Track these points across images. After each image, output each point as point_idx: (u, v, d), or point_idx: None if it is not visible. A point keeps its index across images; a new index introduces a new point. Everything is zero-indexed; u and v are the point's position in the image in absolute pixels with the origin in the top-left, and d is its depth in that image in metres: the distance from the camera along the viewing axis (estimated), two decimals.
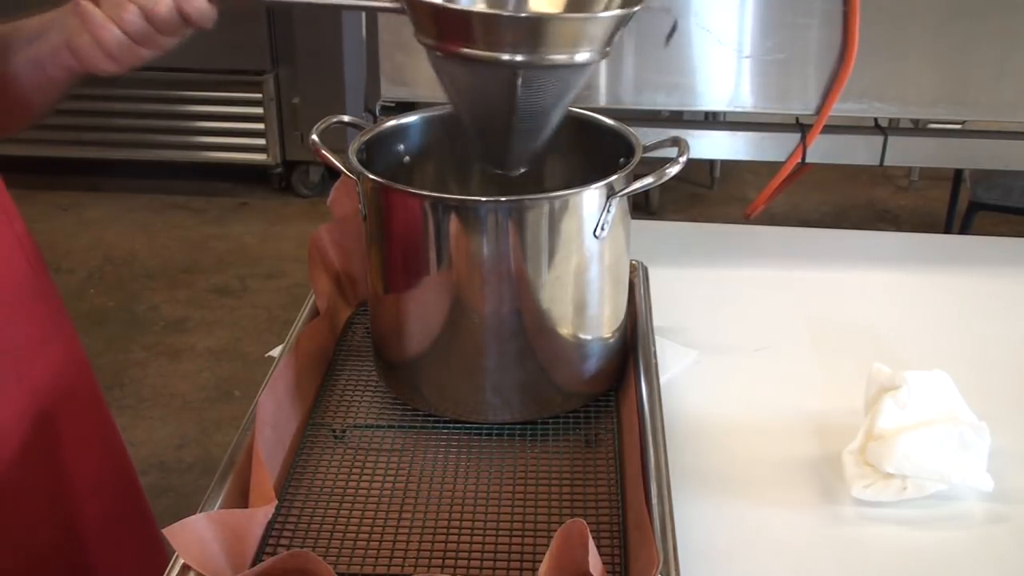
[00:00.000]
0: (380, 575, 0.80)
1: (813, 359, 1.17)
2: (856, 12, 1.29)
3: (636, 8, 0.87)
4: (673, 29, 0.96)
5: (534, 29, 0.85)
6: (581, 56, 0.86)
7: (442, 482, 0.90)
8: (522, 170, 0.99)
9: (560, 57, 0.85)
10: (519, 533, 0.84)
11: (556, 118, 0.93)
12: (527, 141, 0.94)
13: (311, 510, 0.87)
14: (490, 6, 0.94)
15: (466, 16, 0.87)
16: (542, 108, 0.90)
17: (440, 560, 0.81)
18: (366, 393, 1.03)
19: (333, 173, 1.25)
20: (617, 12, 0.87)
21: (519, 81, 0.85)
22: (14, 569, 0.93)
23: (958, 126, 1.47)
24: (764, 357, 1.17)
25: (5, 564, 0.92)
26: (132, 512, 1.14)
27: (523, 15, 0.91)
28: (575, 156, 1.05)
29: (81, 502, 1.04)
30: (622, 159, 0.97)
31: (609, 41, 0.88)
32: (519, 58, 0.84)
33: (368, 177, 0.92)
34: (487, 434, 0.96)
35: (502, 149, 0.95)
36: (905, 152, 1.43)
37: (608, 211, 0.90)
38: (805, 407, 1.07)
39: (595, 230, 0.91)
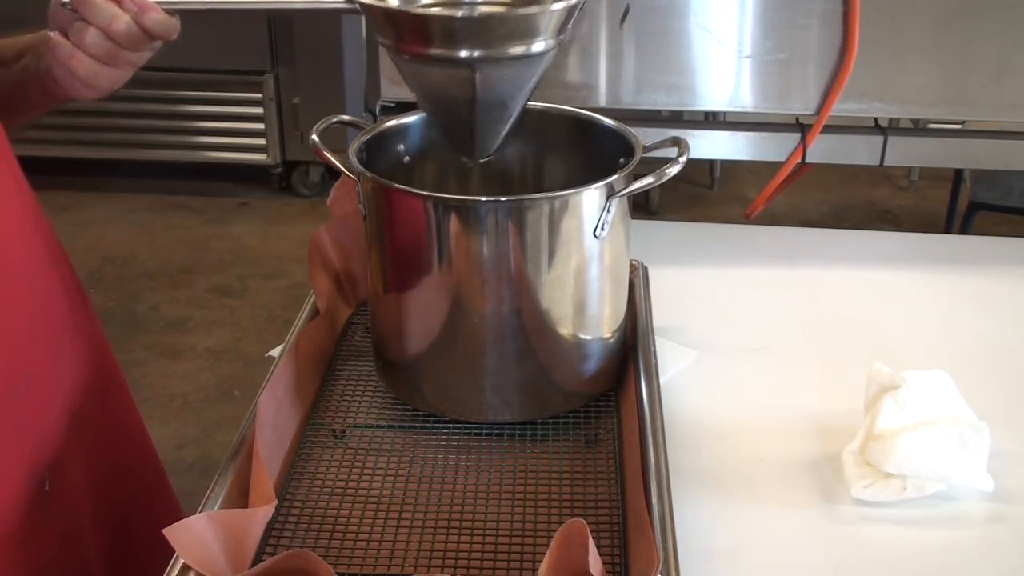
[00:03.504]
0: (380, 575, 0.80)
1: (813, 359, 1.17)
2: (856, 12, 1.29)
3: None
4: (625, 13, 0.95)
5: (487, 27, 0.87)
6: (537, 47, 0.88)
7: (442, 482, 0.90)
8: (489, 157, 0.99)
9: (518, 50, 0.87)
10: (519, 533, 0.84)
11: (518, 107, 0.94)
12: (491, 130, 0.95)
13: (311, 510, 0.87)
14: (444, 5, 0.96)
15: (419, 18, 0.89)
16: (502, 99, 0.92)
17: (440, 560, 0.81)
18: (366, 393, 1.03)
19: (333, 173, 1.25)
20: (564, 4, 0.88)
21: (477, 77, 0.87)
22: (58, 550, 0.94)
23: (958, 126, 1.47)
24: (764, 357, 1.17)
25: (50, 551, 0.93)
26: (160, 500, 1.16)
27: (474, 15, 0.92)
28: (575, 156, 1.05)
29: (120, 512, 1.05)
30: (622, 159, 0.97)
31: (561, 30, 0.89)
32: (476, 54, 0.86)
33: (368, 177, 0.92)
34: (487, 434, 0.96)
35: (467, 139, 0.96)
36: (905, 152, 1.43)
37: (608, 211, 0.90)
38: (805, 407, 1.07)
39: (595, 230, 0.91)
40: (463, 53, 0.86)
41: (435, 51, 0.87)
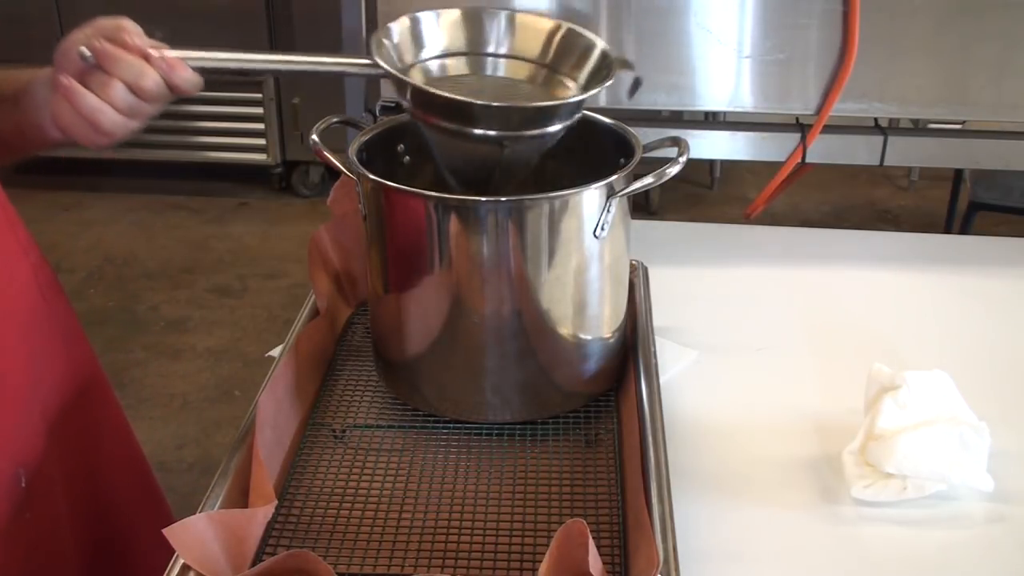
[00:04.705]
0: (380, 575, 0.80)
1: (813, 359, 1.17)
2: (856, 12, 1.30)
3: (608, 83, 0.94)
4: (636, 86, 0.99)
5: (522, 115, 0.90)
6: (560, 124, 0.92)
7: (442, 482, 0.90)
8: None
9: (542, 130, 0.91)
10: (519, 533, 0.84)
11: (534, 163, 0.97)
12: (508, 184, 0.97)
13: (311, 510, 0.87)
14: (469, 66, 0.98)
15: (462, 105, 0.89)
16: (525, 161, 0.95)
17: (440, 560, 0.81)
18: (366, 393, 1.03)
19: (333, 173, 1.25)
20: (594, 91, 0.93)
21: (506, 151, 0.90)
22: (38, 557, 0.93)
23: (958, 126, 1.47)
24: (764, 357, 1.17)
25: (33, 556, 0.93)
26: (147, 501, 1.15)
27: (515, 106, 0.93)
28: (575, 156, 1.05)
29: (101, 511, 1.04)
30: (622, 159, 0.97)
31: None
32: (507, 134, 0.89)
33: (368, 177, 0.92)
34: (487, 434, 0.96)
35: (483, 191, 0.97)
36: (905, 152, 1.43)
37: (608, 211, 0.90)
38: (805, 407, 1.07)
39: (595, 230, 0.91)
40: (493, 132, 0.88)
41: (467, 129, 0.89)
